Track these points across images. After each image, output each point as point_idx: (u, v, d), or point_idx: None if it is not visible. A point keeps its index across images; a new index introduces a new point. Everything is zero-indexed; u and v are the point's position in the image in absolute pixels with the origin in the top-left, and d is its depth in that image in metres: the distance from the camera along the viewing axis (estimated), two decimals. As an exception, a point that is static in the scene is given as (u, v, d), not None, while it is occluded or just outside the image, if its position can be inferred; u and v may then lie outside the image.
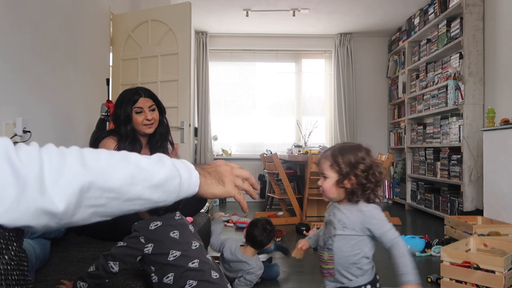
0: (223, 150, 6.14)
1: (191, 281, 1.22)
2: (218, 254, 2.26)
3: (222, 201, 5.61)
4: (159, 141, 2.07)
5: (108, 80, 3.02)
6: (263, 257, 2.58)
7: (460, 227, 3.12)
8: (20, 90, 2.15)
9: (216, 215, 2.31)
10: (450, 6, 4.26)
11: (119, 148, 1.92)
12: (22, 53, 2.16)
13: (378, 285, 1.33)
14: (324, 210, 1.42)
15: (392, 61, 5.96)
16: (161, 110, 2.06)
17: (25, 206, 0.57)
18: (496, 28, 3.75)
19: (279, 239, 3.34)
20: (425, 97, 4.87)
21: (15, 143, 0.62)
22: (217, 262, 1.69)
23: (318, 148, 5.00)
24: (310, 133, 5.70)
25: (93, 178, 0.64)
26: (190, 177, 0.77)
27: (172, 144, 2.15)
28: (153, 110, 2.01)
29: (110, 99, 2.92)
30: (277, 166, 4.10)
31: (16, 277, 0.64)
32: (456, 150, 4.10)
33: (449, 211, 4.19)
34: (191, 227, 1.42)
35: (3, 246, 0.61)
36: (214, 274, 1.27)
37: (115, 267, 1.20)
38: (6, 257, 0.62)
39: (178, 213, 1.39)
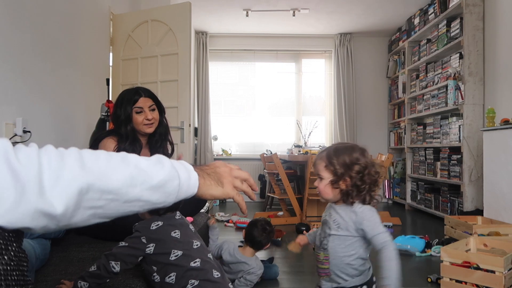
0: (223, 150, 6.14)
1: (193, 281, 1.22)
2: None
3: (222, 201, 5.61)
4: (158, 141, 2.07)
5: (108, 80, 3.03)
6: (263, 257, 2.59)
7: (460, 227, 3.12)
8: (20, 90, 2.15)
9: (209, 222, 2.31)
10: (450, 6, 4.26)
11: (119, 148, 1.92)
12: (22, 53, 2.16)
13: (374, 286, 1.32)
14: (324, 210, 1.42)
15: (392, 61, 5.96)
16: (161, 110, 2.07)
17: (24, 208, 0.57)
18: (496, 28, 3.75)
19: (279, 239, 3.34)
20: (425, 97, 4.87)
21: (14, 143, 0.62)
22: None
23: (318, 148, 5.00)
24: (310, 133, 5.70)
25: (92, 180, 0.64)
26: (189, 178, 0.77)
27: (171, 144, 2.15)
28: (153, 110, 2.01)
29: (110, 99, 2.92)
30: (277, 166, 4.10)
31: (15, 277, 0.64)
32: (456, 150, 4.10)
33: (449, 211, 4.19)
34: (191, 227, 1.42)
35: (3, 247, 0.61)
36: (216, 273, 1.28)
37: (116, 267, 1.20)
38: (5, 257, 0.62)
39: (178, 213, 1.40)
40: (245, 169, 5.93)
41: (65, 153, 0.65)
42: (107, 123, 2.65)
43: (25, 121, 2.09)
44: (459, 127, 4.03)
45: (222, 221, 4.18)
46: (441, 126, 4.48)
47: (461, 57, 4.04)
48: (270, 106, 6.29)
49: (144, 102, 1.98)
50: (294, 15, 5.17)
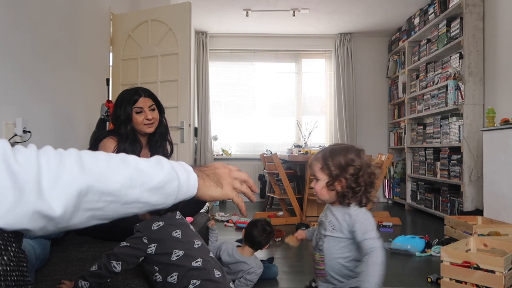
0: (223, 150, 6.14)
1: (194, 281, 1.23)
2: None
3: (222, 202, 5.61)
4: (158, 141, 2.07)
5: (108, 80, 3.03)
6: (263, 257, 2.59)
7: (460, 227, 3.12)
8: (20, 90, 2.15)
9: (209, 223, 2.30)
10: (450, 6, 4.26)
11: (119, 148, 1.92)
12: (22, 53, 2.16)
13: None
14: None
15: (392, 61, 5.96)
16: (161, 109, 2.07)
17: (23, 209, 0.57)
18: (496, 28, 3.75)
19: (279, 239, 3.34)
20: (425, 97, 4.87)
21: (14, 143, 0.62)
22: None
23: (318, 148, 5.00)
24: (310, 133, 5.70)
25: (91, 182, 0.63)
26: (188, 180, 0.77)
27: (171, 143, 2.15)
28: (153, 109, 2.01)
29: (110, 99, 2.92)
30: (277, 166, 4.10)
31: (15, 278, 0.64)
32: (456, 150, 4.10)
33: (449, 211, 4.19)
34: (191, 227, 1.42)
35: (2, 247, 0.61)
36: (217, 273, 1.28)
37: (117, 266, 1.20)
38: (5, 258, 0.62)
39: (178, 213, 1.40)
40: (245, 169, 5.96)
41: (64, 155, 0.64)
42: (107, 123, 2.65)
43: (25, 121, 2.09)
44: (459, 127, 4.03)
45: (222, 221, 4.18)
46: (441, 126, 4.48)
47: (461, 57, 4.04)
48: (270, 106, 6.29)
49: (144, 102, 1.98)
50: (294, 15, 5.17)
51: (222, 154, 6.10)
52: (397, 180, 5.76)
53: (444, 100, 4.36)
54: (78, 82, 2.87)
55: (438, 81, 4.54)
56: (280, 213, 4.44)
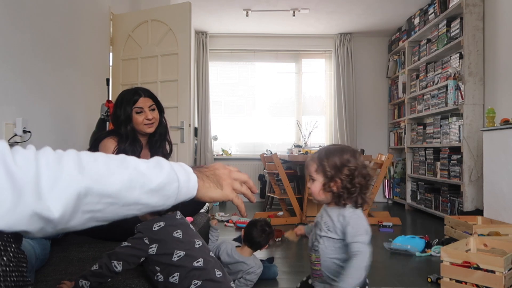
0: (223, 150, 6.14)
1: (196, 281, 1.23)
2: None
3: (222, 202, 5.59)
4: (158, 141, 2.08)
5: (108, 80, 3.03)
6: (263, 257, 2.58)
7: (460, 227, 3.12)
8: (20, 90, 2.15)
9: (211, 222, 2.30)
10: (450, 6, 4.26)
11: (119, 148, 1.92)
12: (22, 53, 2.16)
13: (367, 287, 1.32)
14: None
15: (392, 61, 5.96)
16: (161, 109, 2.07)
17: (21, 211, 0.57)
18: (496, 28, 3.75)
19: (279, 239, 3.34)
20: (425, 97, 4.87)
21: (14, 143, 0.62)
22: None
23: (318, 148, 5.00)
24: (310, 133, 5.70)
25: (90, 184, 0.63)
26: (188, 181, 0.77)
27: (170, 143, 2.15)
28: (153, 109, 2.02)
29: (110, 99, 2.92)
30: (277, 166, 4.10)
31: (15, 278, 0.64)
32: (456, 150, 4.10)
33: (449, 211, 4.19)
34: (191, 226, 1.43)
35: (1, 248, 0.61)
36: (218, 273, 1.29)
37: (118, 266, 1.20)
38: (4, 258, 0.62)
39: (178, 213, 1.40)
40: (245, 169, 5.95)
41: (63, 156, 0.64)
42: (107, 123, 2.65)
43: (25, 121, 2.09)
44: (459, 127, 4.03)
45: (222, 221, 4.18)
46: (441, 126, 4.48)
47: (461, 57, 4.04)
48: (270, 106, 6.29)
49: (144, 102, 1.98)
50: (294, 15, 5.17)
51: (222, 154, 6.10)
52: (397, 180, 5.76)
53: (444, 100, 4.36)
54: (78, 82, 2.87)
55: (438, 81, 4.54)
56: (280, 213, 4.44)
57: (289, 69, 6.28)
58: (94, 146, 1.98)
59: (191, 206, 2.19)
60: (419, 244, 2.93)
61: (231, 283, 1.35)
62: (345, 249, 1.26)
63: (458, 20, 4.11)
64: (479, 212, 3.59)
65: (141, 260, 1.27)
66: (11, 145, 1.98)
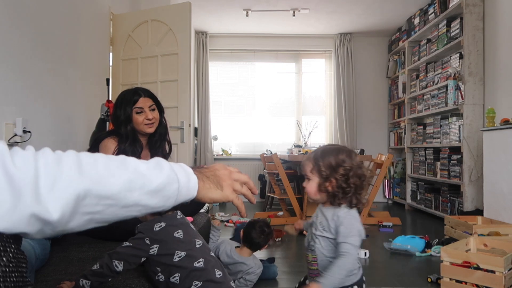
0: (223, 150, 6.14)
1: (196, 282, 1.24)
2: None
3: (223, 202, 5.60)
4: (158, 141, 2.08)
5: (108, 80, 3.02)
6: (263, 256, 2.58)
7: (460, 227, 3.12)
8: (20, 90, 2.15)
9: (214, 222, 2.29)
10: (450, 6, 4.26)
11: (119, 148, 1.92)
12: (22, 53, 2.16)
13: (364, 286, 1.32)
14: None
15: (392, 61, 5.96)
16: (161, 109, 2.07)
17: (20, 213, 0.56)
18: (496, 28, 3.75)
19: (279, 239, 3.34)
20: (425, 97, 4.87)
21: (14, 143, 0.62)
22: None
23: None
24: (310, 133, 5.70)
25: (89, 185, 0.62)
26: (188, 182, 0.76)
27: (169, 143, 2.15)
28: (153, 109, 2.02)
29: (110, 99, 2.92)
30: (277, 166, 4.10)
31: (14, 279, 0.64)
32: (456, 150, 4.10)
33: (449, 211, 4.19)
34: (192, 226, 1.43)
35: (1, 249, 0.61)
36: (218, 273, 1.29)
37: (119, 266, 1.21)
38: (4, 259, 0.61)
39: (179, 212, 1.40)
40: (245, 169, 5.95)
41: (63, 157, 0.63)
42: (107, 123, 2.65)
43: (25, 121, 2.09)
44: (459, 127, 4.03)
45: (222, 221, 4.18)
46: (441, 126, 4.48)
47: (461, 57, 4.04)
48: (270, 106, 6.29)
49: (144, 102, 1.98)
50: (294, 15, 5.17)
51: (222, 154, 6.10)
52: (397, 180, 5.76)
53: (444, 100, 4.36)
54: (78, 82, 2.87)
55: (438, 81, 4.54)
56: (280, 213, 4.44)
57: (289, 69, 6.28)
58: (94, 146, 1.98)
59: (191, 206, 2.19)
60: (419, 244, 2.93)
61: (231, 282, 1.35)
62: None
63: (458, 20, 4.11)
64: (479, 212, 3.59)
65: (142, 260, 1.27)
66: (11, 145, 1.99)
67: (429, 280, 2.31)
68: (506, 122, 3.16)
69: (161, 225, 1.30)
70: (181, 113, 3.37)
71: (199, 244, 1.34)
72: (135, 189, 0.68)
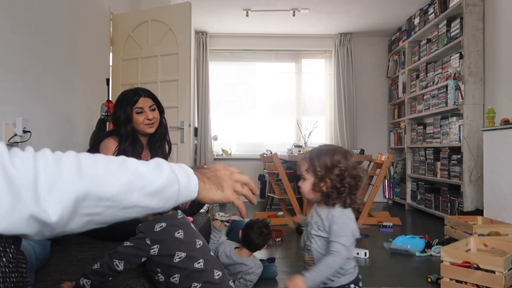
0: (223, 150, 6.14)
1: (195, 283, 1.24)
2: None
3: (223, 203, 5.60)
4: (158, 141, 2.07)
5: (108, 80, 3.02)
6: (263, 256, 2.58)
7: (460, 227, 3.12)
8: (20, 90, 2.15)
9: (215, 223, 2.29)
10: (450, 6, 4.26)
11: (120, 148, 1.92)
12: (22, 53, 2.16)
13: (360, 284, 1.33)
14: None
15: (392, 61, 5.96)
16: (161, 110, 2.07)
17: (19, 214, 0.56)
18: (496, 28, 3.75)
19: (279, 239, 3.34)
20: (425, 97, 4.87)
21: (14, 143, 0.62)
22: None
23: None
24: (310, 133, 5.71)
25: (89, 187, 0.62)
26: (188, 183, 0.76)
27: (169, 143, 2.15)
28: (154, 109, 2.02)
29: (110, 99, 2.92)
30: (277, 166, 4.10)
31: (14, 279, 0.63)
32: (456, 150, 4.10)
33: (449, 211, 4.19)
34: (192, 226, 1.43)
35: (1, 249, 0.61)
36: (217, 274, 1.29)
37: (120, 265, 1.21)
38: (4, 259, 0.61)
39: (179, 212, 1.40)
40: (245, 169, 5.95)
41: (62, 158, 0.63)
42: (107, 123, 2.65)
43: (25, 121, 2.09)
44: (459, 127, 4.03)
45: (222, 221, 4.18)
46: (441, 126, 4.48)
47: (461, 57, 4.04)
48: (270, 106, 6.29)
49: (144, 102, 1.98)
50: (294, 15, 5.17)
51: (222, 154, 6.10)
52: (397, 180, 5.76)
53: (444, 100, 4.36)
54: (78, 82, 2.87)
55: (438, 81, 4.54)
56: (280, 213, 4.44)
57: (289, 69, 6.28)
58: (94, 146, 1.97)
59: (191, 205, 2.19)
60: (419, 244, 2.93)
61: (230, 282, 1.35)
62: None
63: (458, 20, 4.11)
64: (479, 212, 3.59)
65: (143, 260, 1.28)
66: (11, 145, 1.99)
67: (429, 280, 2.31)
68: (506, 122, 3.16)
69: (162, 225, 1.30)
70: (181, 113, 3.37)
71: (200, 244, 1.35)
72: (135, 191, 0.68)
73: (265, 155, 4.92)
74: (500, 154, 3.13)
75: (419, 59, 5.03)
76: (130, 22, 3.57)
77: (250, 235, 2.14)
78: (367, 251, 2.84)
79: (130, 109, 1.95)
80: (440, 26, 4.50)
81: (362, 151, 5.10)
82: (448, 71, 4.27)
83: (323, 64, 6.28)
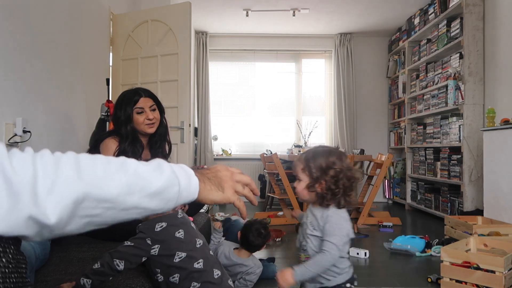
0: (223, 150, 6.14)
1: (195, 283, 1.25)
2: None
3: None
4: (158, 141, 2.07)
5: (108, 80, 3.02)
6: (263, 256, 2.58)
7: (460, 227, 3.12)
8: (20, 90, 2.15)
9: (215, 225, 2.29)
10: (450, 6, 4.26)
11: (120, 148, 1.92)
12: (22, 53, 2.16)
13: (356, 283, 1.34)
14: None
15: (392, 61, 5.96)
16: (161, 110, 2.07)
17: (18, 216, 0.56)
18: (496, 28, 3.75)
19: (279, 239, 3.34)
20: (425, 97, 4.87)
21: (14, 143, 0.61)
22: None
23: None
24: (310, 133, 5.71)
25: (88, 189, 0.62)
26: (189, 183, 0.75)
27: (169, 143, 2.15)
28: (154, 110, 2.02)
29: (110, 99, 2.92)
30: (277, 166, 4.10)
31: (14, 280, 0.63)
32: (456, 150, 4.10)
33: (449, 211, 4.19)
34: (192, 225, 1.43)
35: (0, 250, 0.61)
36: (216, 273, 1.30)
37: (120, 265, 1.21)
38: (3, 260, 0.61)
39: (180, 211, 1.41)
40: (245, 169, 5.95)
41: (61, 160, 0.62)
42: (107, 123, 2.65)
43: (25, 121, 2.09)
44: (459, 127, 4.03)
45: (222, 221, 4.18)
46: (441, 126, 4.48)
47: (461, 57, 4.04)
48: (270, 106, 6.29)
49: (144, 102, 1.98)
50: (294, 15, 5.17)
51: (222, 154, 6.10)
52: (397, 180, 5.76)
53: (444, 100, 4.36)
54: (78, 82, 2.87)
55: (438, 81, 4.54)
56: (280, 213, 4.44)
57: (289, 69, 6.28)
58: (95, 146, 1.97)
59: (191, 206, 2.19)
60: (419, 244, 2.93)
61: (229, 280, 1.36)
62: None
63: (458, 20, 4.11)
64: (479, 212, 3.59)
65: (143, 260, 1.28)
66: (11, 145, 1.99)
67: (429, 280, 2.31)
68: (506, 122, 3.16)
69: (162, 225, 1.30)
70: (181, 113, 3.37)
71: (200, 243, 1.35)
72: (135, 192, 0.67)
73: (265, 155, 4.92)
74: (500, 154, 3.13)
75: (419, 59, 5.03)
76: (130, 22, 3.57)
77: (248, 237, 2.14)
78: (367, 251, 2.84)
79: (130, 109, 1.95)
80: (440, 26, 4.50)
81: (362, 151, 5.10)
82: (448, 71, 4.27)
83: (323, 64, 6.28)
